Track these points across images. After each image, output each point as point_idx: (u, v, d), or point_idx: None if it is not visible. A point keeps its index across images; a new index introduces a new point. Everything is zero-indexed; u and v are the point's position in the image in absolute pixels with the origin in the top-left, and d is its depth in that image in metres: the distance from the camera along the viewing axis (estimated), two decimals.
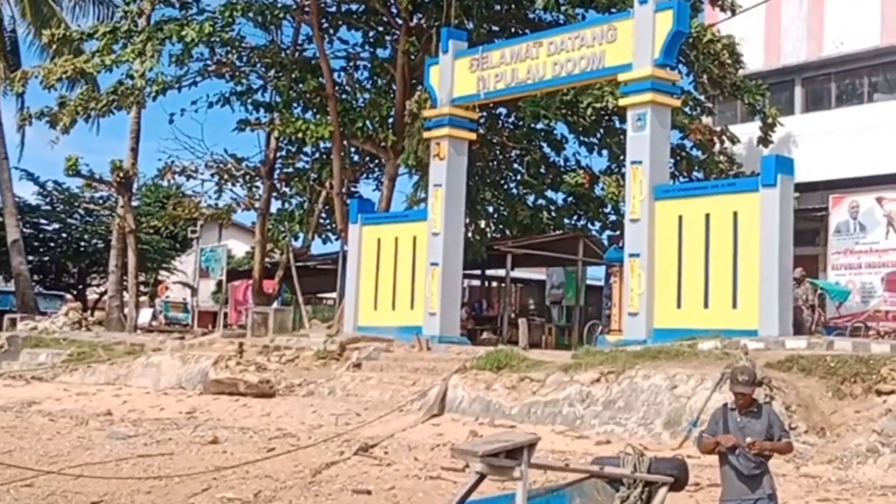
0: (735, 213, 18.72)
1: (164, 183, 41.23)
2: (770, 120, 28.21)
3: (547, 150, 31.64)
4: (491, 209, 31.67)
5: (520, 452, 6.50)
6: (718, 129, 29.42)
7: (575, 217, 31.91)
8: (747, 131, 29.51)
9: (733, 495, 7.38)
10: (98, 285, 46.64)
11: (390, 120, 29.08)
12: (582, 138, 30.45)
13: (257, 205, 34.57)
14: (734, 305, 18.47)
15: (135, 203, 37.64)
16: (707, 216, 19.13)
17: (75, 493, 11.93)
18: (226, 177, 35.18)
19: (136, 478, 12.70)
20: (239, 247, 47.16)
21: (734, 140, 29.13)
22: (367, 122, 29.21)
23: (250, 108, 31.65)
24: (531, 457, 6.60)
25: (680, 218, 19.54)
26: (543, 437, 14.77)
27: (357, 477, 12.81)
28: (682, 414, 14.49)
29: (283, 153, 34.03)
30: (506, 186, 31.91)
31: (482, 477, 6.68)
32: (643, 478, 7.48)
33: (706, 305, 18.88)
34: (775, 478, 11.95)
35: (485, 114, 28.11)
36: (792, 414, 13.85)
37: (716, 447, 7.44)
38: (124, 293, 36.13)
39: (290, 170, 34.34)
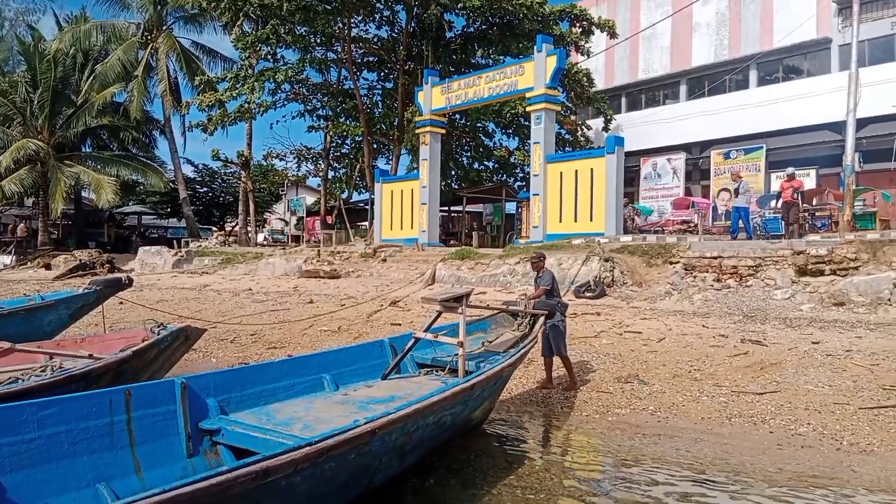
0: (592, 169, 18.95)
1: (265, 163, 40.91)
2: (608, 116, 28.34)
3: (484, 138, 31.64)
4: (453, 172, 31.69)
5: (461, 299, 6.48)
6: (580, 122, 29.56)
7: (501, 175, 32.06)
8: (596, 124, 29.65)
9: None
10: (232, 222, 46.25)
11: (396, 123, 29.04)
12: (504, 130, 30.45)
13: (320, 174, 34.60)
14: (591, 219, 18.79)
15: (251, 175, 37.43)
16: (576, 171, 19.36)
17: (240, 331, 12.15)
18: (301, 158, 35.16)
19: (271, 323, 12.80)
20: (310, 198, 46.62)
21: (588, 128, 29.28)
22: (383, 125, 29.20)
23: (314, 118, 31.41)
24: (468, 301, 6.55)
25: (561, 173, 19.77)
26: (488, 293, 15.26)
27: (392, 317, 13.14)
28: (565, 278, 15.00)
29: (334, 144, 33.79)
30: (461, 159, 31.87)
31: (440, 313, 6.72)
32: (529, 312, 7.46)
33: (576, 220, 19.19)
34: (618, 310, 12.65)
35: (448, 118, 28.07)
36: (625, 276, 14.40)
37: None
38: (248, 226, 36.19)
39: (339, 153, 34.14)
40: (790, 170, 16.40)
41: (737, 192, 17.00)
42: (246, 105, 27.05)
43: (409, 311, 13.79)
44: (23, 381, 5.33)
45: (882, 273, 11.41)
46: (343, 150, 33.91)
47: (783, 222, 16.48)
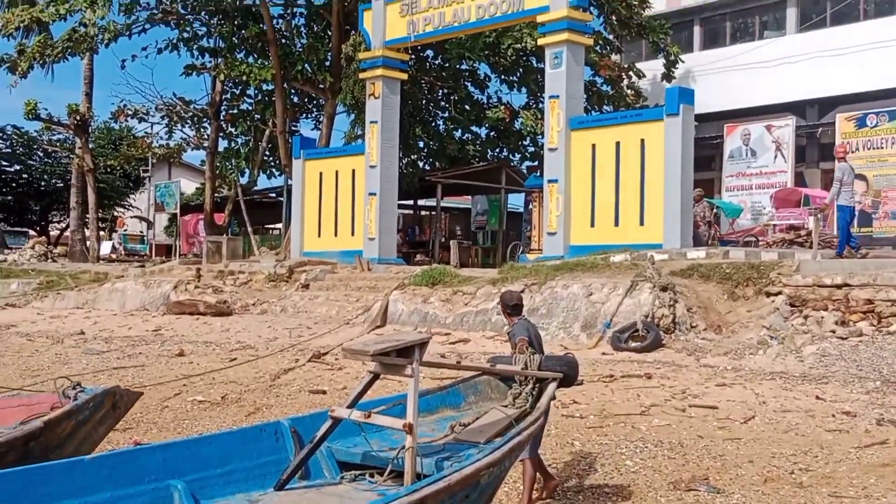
0: (642, 141, 19.07)
1: (117, 125, 40.74)
2: (672, 57, 28.53)
3: (471, 88, 31.70)
4: (422, 143, 31.70)
5: (411, 351, 6.18)
6: (626, 65, 29.72)
7: (497, 149, 32.14)
8: (652, 68, 29.79)
9: None
10: (59, 221, 46.06)
11: (327, 63, 29.02)
12: (503, 77, 30.52)
13: (205, 144, 34.43)
14: (641, 223, 18.90)
15: (91, 145, 37.11)
16: (617, 144, 19.47)
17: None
18: (175, 118, 35.07)
19: None
20: (188, 184, 46.59)
21: (640, 75, 29.39)
22: (306, 66, 29.15)
23: (196, 53, 31.37)
24: (422, 355, 6.23)
25: (593, 146, 19.88)
26: (475, 341, 15.30)
27: (312, 380, 13.01)
28: (597, 317, 14.97)
29: (228, 95, 33.78)
30: (435, 123, 31.94)
31: (376, 376, 6.47)
32: (533, 374, 7.29)
33: (616, 223, 19.30)
34: (681, 370, 12.64)
35: (414, 56, 28.13)
36: (693, 314, 14.43)
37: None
38: (86, 228, 35.85)
39: (235, 111, 34.09)
40: None
41: (833, 181, 16.98)
42: (82, 29, 26.85)
43: (342, 369, 13.75)
44: None
45: None
46: (242, 107, 33.83)
47: None
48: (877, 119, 23.54)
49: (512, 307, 8.08)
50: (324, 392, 12.00)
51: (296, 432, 6.85)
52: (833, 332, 13.03)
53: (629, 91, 29.08)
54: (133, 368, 14.21)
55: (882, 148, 23.28)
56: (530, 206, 27.28)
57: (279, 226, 34.65)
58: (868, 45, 26.17)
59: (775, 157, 25.44)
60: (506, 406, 7.32)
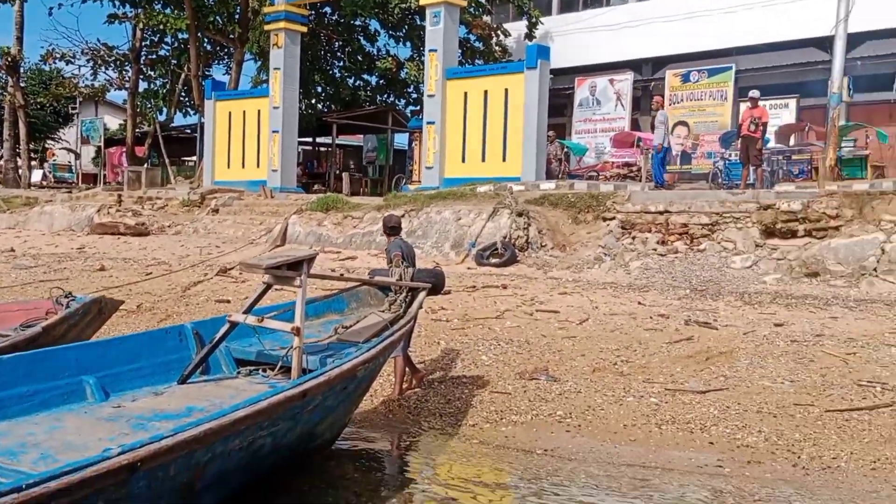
0: (506, 90, 19.02)
1: (47, 67, 38.71)
2: (533, 19, 28.45)
3: (363, 41, 31.08)
4: (320, 89, 31.01)
5: (300, 265, 6.12)
6: (495, 25, 29.52)
7: (386, 95, 31.73)
8: (517, 28, 29.62)
9: None
10: None
11: (237, 15, 28.06)
12: (391, 32, 30.00)
13: (127, 85, 33.10)
14: (504, 159, 18.96)
15: (22, 84, 35.20)
16: (486, 92, 19.40)
17: None
18: (99, 62, 33.67)
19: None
20: (113, 121, 44.54)
21: (506, 34, 29.26)
22: (218, 17, 28.15)
23: (117, 3, 29.72)
24: (310, 269, 6.20)
25: (465, 94, 19.77)
26: (361, 258, 15.22)
27: (219, 291, 12.81)
28: (464, 238, 15.07)
29: (148, 42, 32.41)
30: (331, 71, 31.22)
31: (269, 286, 6.32)
32: (406, 285, 7.31)
33: (483, 159, 19.31)
34: (532, 281, 12.85)
35: (314, 11, 27.45)
36: (543, 236, 14.63)
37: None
38: (18, 158, 34.15)
39: (154, 56, 32.86)
40: (753, 92, 17.00)
41: (652, 124, 17.59)
42: None
43: (245, 282, 13.53)
44: None
45: (868, 235, 12.08)
46: (160, 53, 32.51)
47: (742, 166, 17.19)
48: (698, 75, 24.06)
49: (390, 228, 8.07)
50: (228, 301, 11.80)
51: (198, 334, 6.75)
52: (655, 250, 13.41)
53: (497, 48, 28.95)
54: (58, 281, 13.57)
55: (702, 100, 23.85)
56: (413, 145, 27.17)
57: (194, 158, 33.58)
58: (693, 13, 26.59)
59: (616, 106, 25.76)
60: (383, 311, 7.37)
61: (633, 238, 13.88)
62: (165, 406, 5.73)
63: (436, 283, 7.58)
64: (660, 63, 27.13)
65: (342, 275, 11.45)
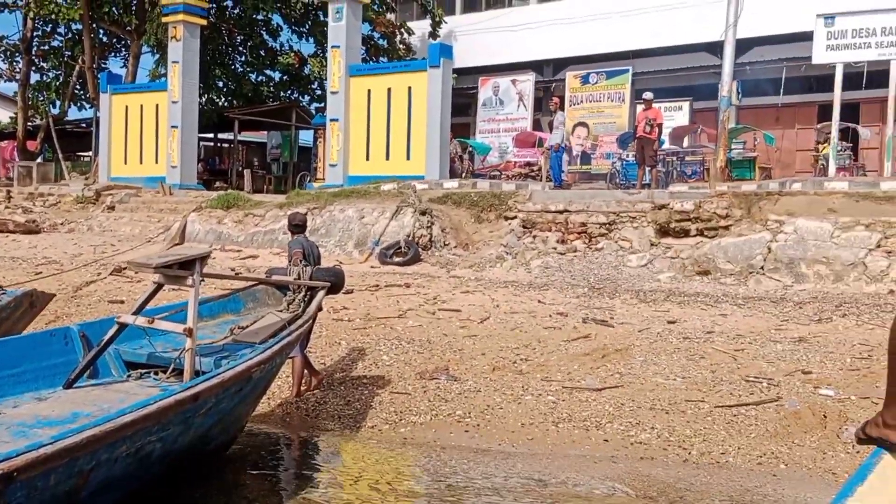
0: (410, 88, 19.04)
1: None
2: (437, 18, 28.51)
3: (266, 36, 30.53)
4: (221, 84, 30.34)
5: (192, 264, 5.97)
6: (399, 23, 29.45)
7: (289, 91, 31.24)
8: (421, 27, 29.65)
9: None
10: None
11: (133, 6, 27.16)
12: (294, 28, 29.59)
13: (18, 77, 31.59)
14: (408, 157, 18.98)
15: None
16: (389, 89, 19.36)
17: None
18: None
19: None
20: (3, 114, 42.59)
21: (410, 32, 29.25)
22: (113, 8, 27.18)
23: None
24: (203, 268, 6.05)
25: (369, 91, 19.67)
26: (263, 257, 14.94)
27: (113, 291, 12.38)
28: (367, 236, 14.98)
29: (40, 32, 31.03)
30: (233, 65, 30.57)
31: (159, 286, 6.15)
32: (304, 283, 7.21)
33: (388, 157, 19.29)
34: (435, 280, 12.84)
35: (214, 4, 26.81)
36: (446, 234, 14.66)
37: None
38: None
39: (47, 47, 31.50)
40: (647, 95, 17.43)
41: (551, 125, 17.93)
42: None
43: (141, 282, 13.03)
44: None
45: (755, 234, 12.51)
46: (53, 43, 31.17)
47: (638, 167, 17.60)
48: (597, 77, 24.49)
49: (294, 226, 7.94)
50: (122, 302, 11.37)
51: (85, 336, 6.46)
52: (555, 248, 13.59)
53: (402, 46, 28.92)
54: None
55: (600, 101, 24.29)
56: (317, 142, 26.78)
57: (90, 153, 32.38)
58: (593, 15, 27.10)
59: (518, 106, 26.01)
60: (281, 311, 7.19)
61: (534, 237, 14.03)
62: (49, 412, 5.47)
63: (335, 282, 7.42)
64: (561, 64, 27.54)
65: (238, 273, 11.19)
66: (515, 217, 14.62)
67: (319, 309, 7.50)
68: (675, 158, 19.52)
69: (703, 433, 6.59)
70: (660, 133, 17.46)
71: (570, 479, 5.91)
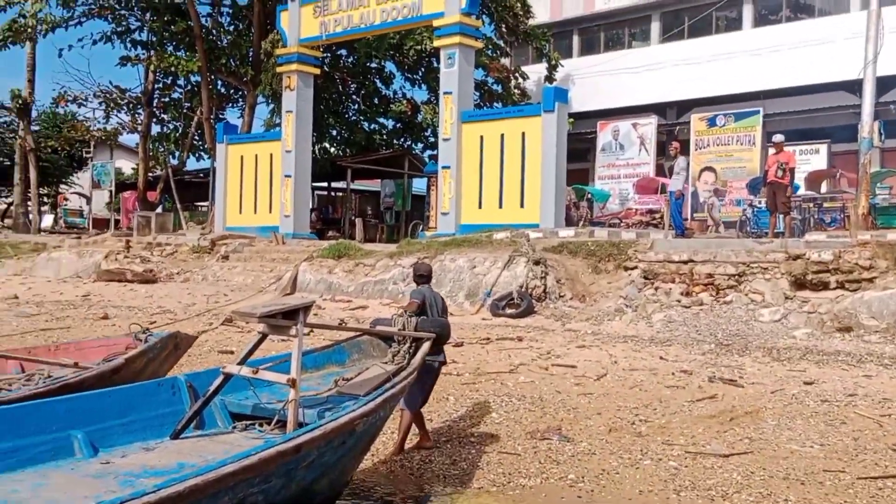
0: (523, 133, 19.15)
1: (60, 110, 39.51)
2: (553, 62, 28.75)
3: (378, 84, 31.50)
4: (334, 132, 31.41)
5: (296, 314, 6.04)
6: (513, 68, 29.85)
7: (401, 138, 32.05)
8: (536, 71, 29.97)
9: None
10: (6, 197, 44.30)
11: (249, 57, 28.55)
12: (406, 75, 30.46)
13: (139, 128, 33.62)
14: (522, 205, 19.02)
15: (34, 127, 36.03)
16: (502, 135, 19.52)
17: None
18: (112, 105, 34.25)
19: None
20: (127, 165, 45.28)
21: (525, 77, 29.59)
22: (230, 60, 28.68)
23: (129, 45, 30.49)
24: (307, 317, 6.10)
25: (481, 137, 19.89)
26: (372, 307, 15.16)
27: (223, 341, 12.75)
28: (479, 287, 15.00)
29: (160, 85, 33.04)
30: (346, 114, 31.62)
31: (264, 336, 6.26)
32: (409, 335, 7.23)
33: (500, 205, 19.38)
34: (548, 333, 12.73)
35: (328, 54, 27.87)
36: (561, 285, 14.53)
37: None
38: (28, 203, 34.73)
39: (167, 99, 33.57)
40: (777, 137, 16.88)
41: (670, 171, 17.57)
42: (21, 20, 25.77)
43: (251, 332, 13.31)
44: (9, 390, 6.70)
45: None
46: (173, 95, 33.09)
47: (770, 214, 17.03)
48: (725, 119, 24.06)
49: (418, 276, 7.97)
50: (231, 352, 11.70)
51: (191, 386, 6.65)
52: (678, 301, 13.28)
53: (516, 91, 29.27)
54: (59, 330, 13.68)
55: (728, 144, 23.82)
56: (431, 190, 27.22)
57: (207, 203, 33.98)
58: (718, 55, 26.74)
59: (640, 150, 25.82)
60: (385, 363, 7.25)
61: (656, 289, 13.77)
62: (156, 462, 5.64)
63: (440, 333, 7.44)
64: (685, 107, 27.27)
65: (342, 323, 11.36)
66: (636, 267, 14.40)
67: (444, 363, 7.76)
68: (811, 205, 18.83)
69: None
70: (792, 178, 16.89)
71: None
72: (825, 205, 18.99)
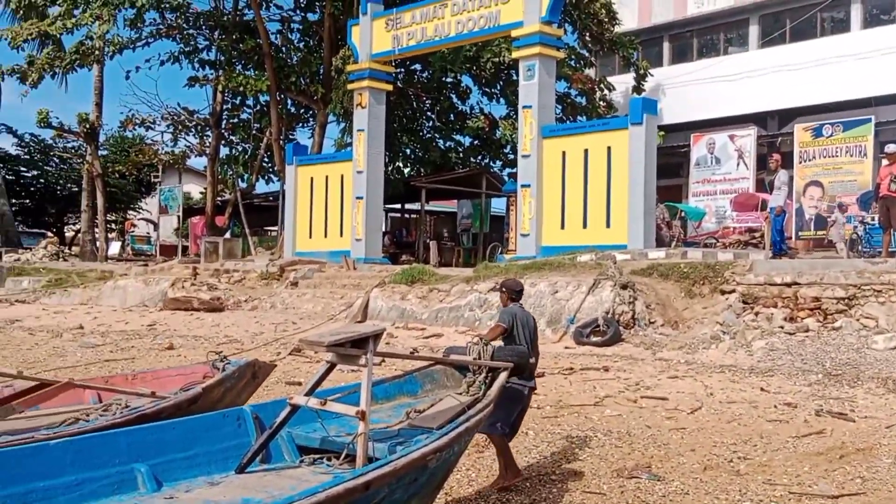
0: (609, 148, 19.03)
1: (128, 134, 40.92)
2: (642, 71, 28.57)
3: (454, 99, 31.75)
4: (408, 151, 31.72)
5: (365, 342, 6.07)
6: (598, 79, 29.74)
7: (479, 156, 32.17)
8: (624, 81, 29.82)
9: None
10: (74, 223, 46.13)
11: (320, 75, 29.09)
12: (484, 89, 30.64)
13: (207, 151, 34.51)
14: (608, 225, 18.87)
15: (102, 152, 37.41)
16: (586, 151, 19.44)
17: None
18: (179, 127, 35.27)
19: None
20: (195, 189, 46.66)
21: (611, 88, 29.44)
22: (300, 78, 29.24)
23: (197, 66, 31.44)
24: (377, 346, 6.10)
25: (563, 153, 19.85)
26: (447, 335, 15.20)
27: (291, 372, 12.88)
28: (561, 313, 14.90)
29: (228, 106, 33.88)
30: (420, 131, 31.93)
31: (332, 365, 6.32)
32: (485, 364, 7.20)
33: (585, 226, 19.27)
34: (637, 363, 12.59)
35: (401, 69, 28.18)
36: (651, 311, 14.35)
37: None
38: (95, 229, 35.92)
39: (235, 120, 34.32)
40: (890, 147, 16.33)
41: (771, 185, 17.20)
42: (88, 42, 26.78)
43: (320, 362, 13.42)
44: (87, 421, 6.94)
45: None
46: (242, 116, 33.87)
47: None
48: (832, 129, 23.51)
49: (511, 293, 7.90)
50: (299, 383, 11.83)
51: (257, 418, 6.74)
52: (781, 327, 13.00)
53: (601, 103, 29.12)
54: (123, 361, 14.02)
55: (836, 156, 23.26)
56: (510, 210, 27.29)
57: (276, 227, 34.66)
58: (824, 59, 26.21)
59: (738, 164, 25.42)
60: (460, 394, 7.20)
61: (757, 314, 13.51)
62: (220, 498, 5.72)
63: (518, 363, 7.36)
64: (787, 116, 26.80)
65: (415, 352, 11.41)
66: (734, 291, 14.16)
67: (534, 389, 7.67)
68: None
69: None
70: None
71: None
72: None
